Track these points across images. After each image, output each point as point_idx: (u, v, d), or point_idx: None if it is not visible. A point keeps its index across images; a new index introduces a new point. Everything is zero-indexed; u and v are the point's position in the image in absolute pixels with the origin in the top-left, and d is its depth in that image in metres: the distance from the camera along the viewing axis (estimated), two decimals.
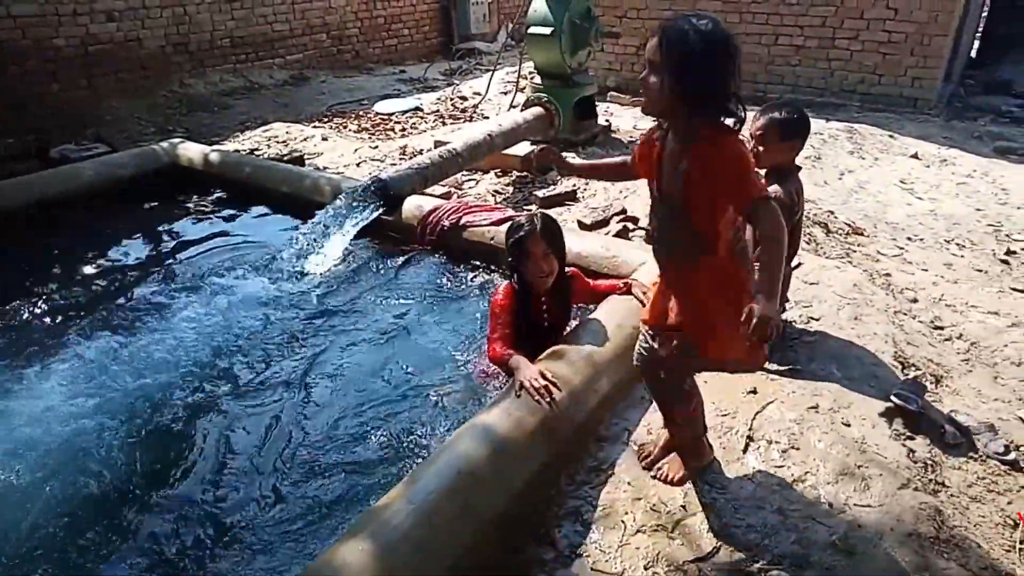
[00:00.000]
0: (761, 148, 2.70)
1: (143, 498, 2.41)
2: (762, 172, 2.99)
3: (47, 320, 3.52)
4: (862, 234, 4.15)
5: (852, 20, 6.93)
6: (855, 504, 2.16)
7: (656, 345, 2.12)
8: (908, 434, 2.48)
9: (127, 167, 5.34)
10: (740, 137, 1.83)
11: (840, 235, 4.09)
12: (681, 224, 1.94)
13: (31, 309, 3.59)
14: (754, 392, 2.65)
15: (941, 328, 3.21)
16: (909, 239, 4.16)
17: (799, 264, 3.44)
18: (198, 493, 2.43)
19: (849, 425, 2.48)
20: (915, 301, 3.42)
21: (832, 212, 4.36)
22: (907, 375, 2.76)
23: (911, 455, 2.38)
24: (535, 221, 2.71)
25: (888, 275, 3.63)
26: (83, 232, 4.58)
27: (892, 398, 2.56)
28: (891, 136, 6.09)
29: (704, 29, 1.72)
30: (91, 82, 7.44)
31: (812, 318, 3.09)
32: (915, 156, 5.64)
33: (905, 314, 3.26)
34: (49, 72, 7.10)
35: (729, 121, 1.80)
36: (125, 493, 2.42)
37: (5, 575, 2.14)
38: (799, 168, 2.81)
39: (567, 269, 2.90)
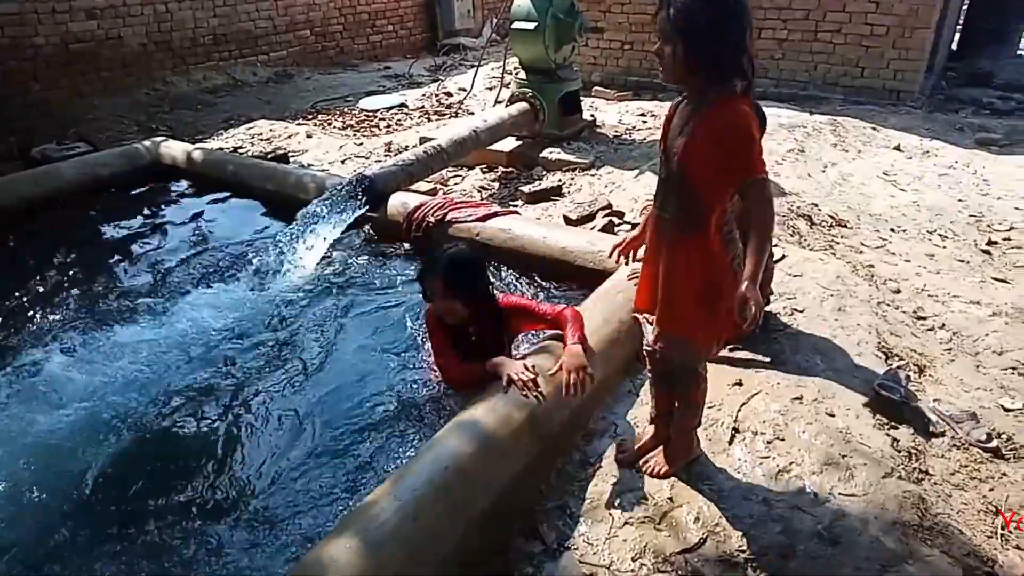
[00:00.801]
0: None
1: (124, 500, 2.39)
2: None
3: (29, 322, 3.49)
4: (845, 226, 4.18)
5: (834, 13, 6.97)
6: (840, 493, 2.17)
7: (650, 333, 2.13)
8: (892, 424, 2.50)
9: (109, 166, 5.30)
10: (750, 112, 1.82)
11: (823, 227, 4.11)
12: (679, 190, 1.92)
13: (10, 311, 3.55)
14: (739, 384, 2.66)
15: (924, 318, 3.24)
16: (892, 230, 4.19)
17: (783, 256, 3.45)
18: (181, 493, 2.42)
19: (833, 415, 2.49)
20: (898, 292, 3.44)
21: (816, 204, 4.38)
22: (890, 365, 2.78)
23: (895, 444, 2.40)
24: (440, 262, 2.58)
25: (871, 266, 3.65)
26: (63, 233, 4.53)
27: (876, 388, 2.58)
28: (874, 128, 6.13)
29: None
30: (72, 81, 7.38)
31: (796, 310, 3.11)
32: (898, 148, 5.68)
33: (888, 305, 3.29)
34: (29, 71, 7.04)
35: (739, 86, 1.79)
36: (109, 494, 2.41)
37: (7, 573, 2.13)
38: None
39: (506, 301, 2.74)
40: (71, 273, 3.97)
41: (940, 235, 4.14)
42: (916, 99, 6.96)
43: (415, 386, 2.87)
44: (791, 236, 3.86)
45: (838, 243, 3.94)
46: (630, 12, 7.94)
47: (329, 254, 3.93)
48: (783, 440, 2.39)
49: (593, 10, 7.88)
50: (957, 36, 9.54)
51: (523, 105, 5.54)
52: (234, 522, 2.28)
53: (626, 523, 2.13)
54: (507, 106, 5.65)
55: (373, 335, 3.29)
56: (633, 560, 2.02)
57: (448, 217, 3.94)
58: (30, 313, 3.54)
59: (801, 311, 3.10)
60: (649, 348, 2.21)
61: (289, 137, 6.49)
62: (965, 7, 9.57)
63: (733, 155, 1.80)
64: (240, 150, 6.14)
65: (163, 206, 5.03)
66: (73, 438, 2.63)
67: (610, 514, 2.16)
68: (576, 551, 2.06)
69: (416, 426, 2.64)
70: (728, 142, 1.80)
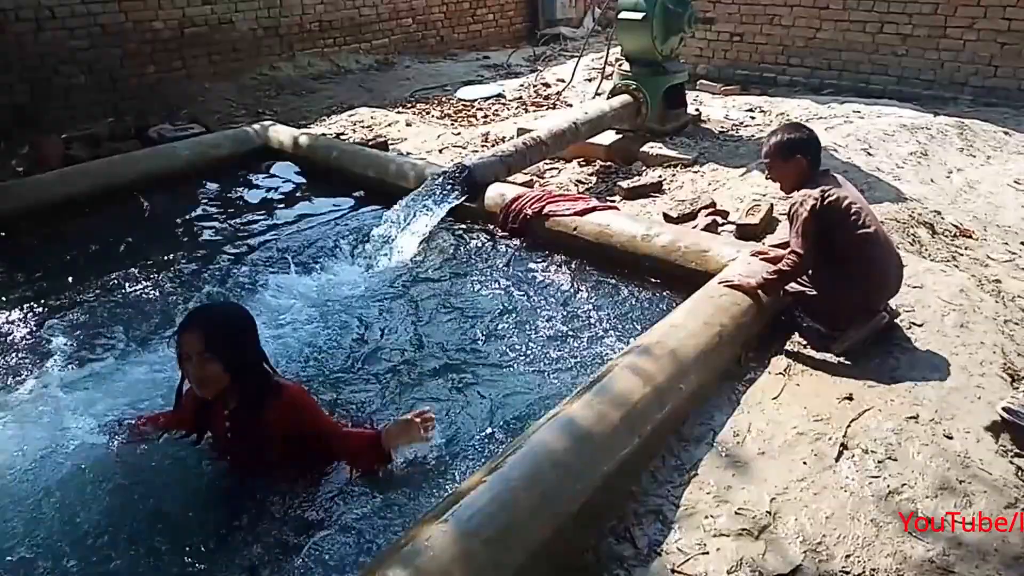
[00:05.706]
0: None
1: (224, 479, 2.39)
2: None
3: (140, 291, 3.69)
4: (971, 236, 3.91)
5: (967, 7, 6.48)
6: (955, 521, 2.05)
7: None
8: (1016, 451, 2.34)
9: (221, 147, 5.55)
10: None
11: (946, 237, 3.86)
12: None
13: (121, 280, 3.76)
14: (850, 399, 2.53)
15: None
16: (1023, 244, 3.90)
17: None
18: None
19: (951, 438, 2.35)
20: None
21: (938, 212, 4.11)
22: (1017, 388, 2.58)
23: (1019, 473, 2.25)
24: (196, 317, 2.13)
25: (998, 281, 3.40)
26: (174, 210, 4.78)
27: (1000, 412, 2.41)
28: (1006, 133, 5.70)
29: None
30: (185, 64, 7.69)
31: (914, 323, 2.93)
32: None
33: (1016, 324, 3.05)
34: (147, 54, 7.36)
35: None
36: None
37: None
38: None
39: (280, 384, 2.24)
40: (178, 248, 4.18)
41: None
42: None
43: (508, 375, 2.86)
44: (911, 244, 3.64)
45: (962, 254, 3.69)
46: (741, 2, 7.66)
47: (426, 241, 3.97)
48: (895, 460, 2.26)
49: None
50: None
51: (625, 98, 5.43)
52: (326, 504, 2.28)
53: (722, 534, 2.06)
54: (608, 98, 5.55)
55: (465, 322, 3.31)
56: (728, 573, 1.94)
57: (546, 210, 3.92)
58: (137, 283, 3.74)
59: (920, 325, 2.92)
60: None
61: (389, 125, 6.60)
62: None
63: None
64: (342, 136, 6.30)
65: (272, 188, 5.23)
66: None
67: (706, 523, 2.09)
68: (668, 557, 2.00)
69: (506, 417, 2.63)
70: None
